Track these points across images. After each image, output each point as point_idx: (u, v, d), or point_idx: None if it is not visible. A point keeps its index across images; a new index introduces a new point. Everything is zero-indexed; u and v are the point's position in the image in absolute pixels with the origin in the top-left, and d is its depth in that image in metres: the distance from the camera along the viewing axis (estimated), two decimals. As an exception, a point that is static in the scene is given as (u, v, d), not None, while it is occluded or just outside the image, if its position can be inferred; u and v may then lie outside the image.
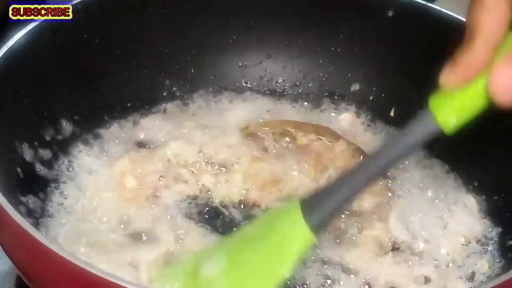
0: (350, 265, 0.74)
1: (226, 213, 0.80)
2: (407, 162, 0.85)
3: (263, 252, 0.64)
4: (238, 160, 0.85)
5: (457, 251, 0.76)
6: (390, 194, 0.82)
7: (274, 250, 0.63)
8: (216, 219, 0.79)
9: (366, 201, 0.79)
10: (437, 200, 0.82)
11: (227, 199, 0.81)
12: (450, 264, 0.75)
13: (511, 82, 0.54)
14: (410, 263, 0.75)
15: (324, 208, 0.62)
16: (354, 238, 0.76)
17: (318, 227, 0.61)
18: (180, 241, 0.75)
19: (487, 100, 0.56)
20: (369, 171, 0.61)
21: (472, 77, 0.56)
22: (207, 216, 0.79)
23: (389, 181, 0.83)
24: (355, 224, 0.78)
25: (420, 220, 0.79)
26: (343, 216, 0.78)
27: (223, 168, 0.84)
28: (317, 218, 0.61)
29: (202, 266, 0.65)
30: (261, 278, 0.63)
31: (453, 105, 0.57)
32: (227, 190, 0.82)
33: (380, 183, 0.82)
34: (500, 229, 0.78)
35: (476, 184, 0.84)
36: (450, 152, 0.85)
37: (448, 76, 0.57)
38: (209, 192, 0.81)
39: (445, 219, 0.79)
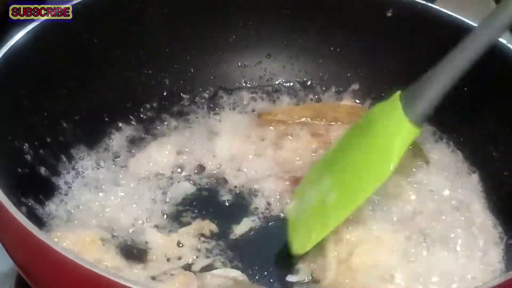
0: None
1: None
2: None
3: (366, 153, 0.66)
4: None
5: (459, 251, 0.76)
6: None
7: (376, 149, 0.64)
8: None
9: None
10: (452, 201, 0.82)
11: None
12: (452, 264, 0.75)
13: None
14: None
15: (422, 98, 0.61)
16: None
17: (420, 119, 0.62)
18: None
19: None
20: (467, 53, 0.61)
21: None
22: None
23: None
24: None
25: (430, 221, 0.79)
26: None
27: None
28: (417, 109, 0.61)
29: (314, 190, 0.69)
30: (368, 178, 0.65)
31: None
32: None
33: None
34: (500, 229, 0.79)
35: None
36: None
37: None
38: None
39: (452, 219, 0.80)
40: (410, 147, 0.85)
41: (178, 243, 0.75)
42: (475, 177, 0.84)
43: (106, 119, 0.86)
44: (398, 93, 0.65)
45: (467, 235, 0.78)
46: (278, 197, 0.82)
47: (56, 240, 0.69)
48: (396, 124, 0.63)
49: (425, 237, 0.76)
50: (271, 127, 0.90)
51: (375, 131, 0.66)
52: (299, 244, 0.71)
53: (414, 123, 0.62)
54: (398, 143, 0.63)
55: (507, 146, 0.82)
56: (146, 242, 0.75)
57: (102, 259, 0.71)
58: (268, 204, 0.81)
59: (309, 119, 0.90)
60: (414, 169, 0.83)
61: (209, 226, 0.77)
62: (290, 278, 0.73)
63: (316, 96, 0.96)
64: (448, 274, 0.72)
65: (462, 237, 0.77)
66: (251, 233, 0.78)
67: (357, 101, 0.95)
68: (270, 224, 0.79)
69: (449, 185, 0.83)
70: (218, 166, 0.85)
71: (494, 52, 0.81)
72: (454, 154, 0.87)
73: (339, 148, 0.72)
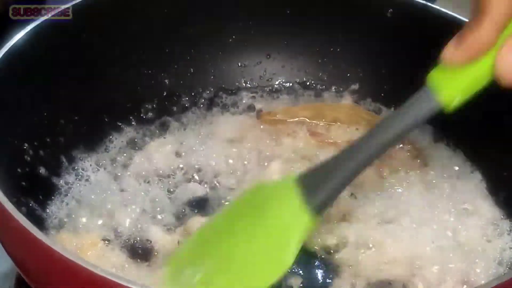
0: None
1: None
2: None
3: (260, 242, 0.61)
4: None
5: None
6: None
7: (272, 239, 0.59)
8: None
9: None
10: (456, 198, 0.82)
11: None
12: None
13: None
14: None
15: (325, 187, 0.58)
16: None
17: (319, 210, 0.58)
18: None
19: (490, 78, 0.56)
20: (369, 149, 0.59)
21: (477, 56, 0.56)
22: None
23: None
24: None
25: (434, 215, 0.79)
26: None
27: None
28: (318, 199, 0.58)
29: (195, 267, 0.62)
30: (263, 271, 0.59)
31: (456, 82, 0.57)
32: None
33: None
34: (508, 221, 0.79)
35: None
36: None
37: (453, 53, 0.57)
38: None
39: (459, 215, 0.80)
40: (408, 153, 0.86)
41: (179, 243, 0.75)
42: (477, 176, 0.84)
43: (106, 120, 0.86)
44: (293, 176, 0.61)
45: (476, 230, 0.78)
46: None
47: (57, 241, 0.69)
48: (295, 214, 0.58)
49: (432, 233, 0.76)
50: (270, 127, 0.90)
51: (270, 217, 0.61)
52: None
53: (314, 213, 0.58)
54: (297, 238, 0.58)
55: (506, 146, 0.82)
56: (149, 241, 0.74)
57: (107, 259, 0.71)
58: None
59: (307, 119, 0.91)
60: (412, 170, 0.84)
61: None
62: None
63: (316, 96, 0.96)
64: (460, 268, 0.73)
65: (471, 231, 0.77)
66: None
67: (357, 101, 0.95)
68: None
69: (452, 183, 0.83)
70: (218, 166, 0.85)
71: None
72: (454, 153, 0.87)
73: (226, 222, 0.65)
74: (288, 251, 0.57)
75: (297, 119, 0.91)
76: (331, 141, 0.88)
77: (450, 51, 0.57)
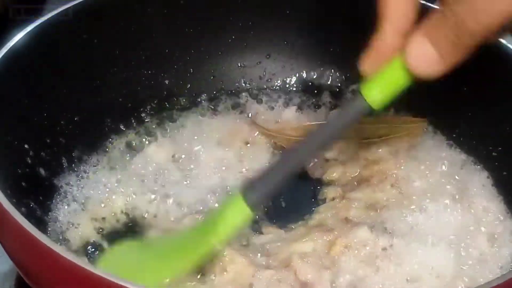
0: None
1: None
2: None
3: (200, 230, 0.69)
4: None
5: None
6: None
7: (209, 227, 0.66)
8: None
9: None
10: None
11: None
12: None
13: (424, 54, 0.59)
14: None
15: (261, 187, 0.66)
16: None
17: (255, 203, 0.65)
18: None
19: (407, 75, 0.61)
20: (305, 151, 0.67)
21: (384, 60, 0.62)
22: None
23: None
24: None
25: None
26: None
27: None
28: (254, 195, 0.65)
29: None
30: (194, 248, 0.67)
31: (377, 85, 0.63)
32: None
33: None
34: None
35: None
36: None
37: (364, 63, 0.64)
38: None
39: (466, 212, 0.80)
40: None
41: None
42: (483, 174, 0.84)
43: (106, 120, 0.86)
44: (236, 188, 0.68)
45: (480, 229, 0.78)
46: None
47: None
48: (232, 207, 0.66)
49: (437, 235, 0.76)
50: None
51: (212, 216, 0.68)
52: None
53: (249, 206, 0.65)
54: (229, 221, 0.66)
55: (505, 146, 0.82)
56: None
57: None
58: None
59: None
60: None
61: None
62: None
63: (316, 96, 0.96)
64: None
65: (475, 230, 0.77)
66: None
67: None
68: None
69: (456, 182, 0.83)
70: (218, 166, 0.85)
71: (494, 53, 0.81)
72: (457, 154, 0.87)
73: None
74: (219, 233, 0.65)
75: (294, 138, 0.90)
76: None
77: (362, 62, 0.65)
